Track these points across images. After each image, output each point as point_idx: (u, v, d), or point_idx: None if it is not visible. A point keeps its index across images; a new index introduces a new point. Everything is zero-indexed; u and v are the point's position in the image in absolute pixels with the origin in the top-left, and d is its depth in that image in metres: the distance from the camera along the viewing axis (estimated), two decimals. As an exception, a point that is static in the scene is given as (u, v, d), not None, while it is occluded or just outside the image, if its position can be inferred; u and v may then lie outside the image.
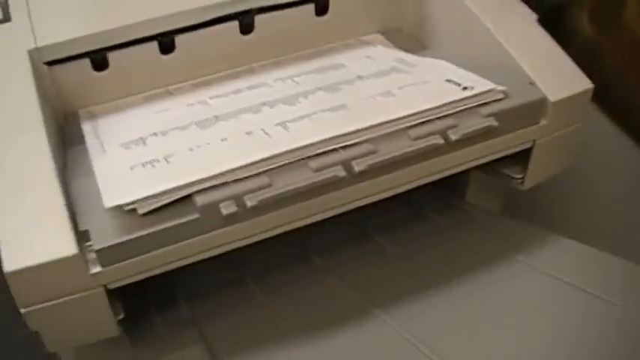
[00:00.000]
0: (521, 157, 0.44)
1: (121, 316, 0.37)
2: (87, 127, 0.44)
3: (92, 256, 0.34)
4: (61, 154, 0.41)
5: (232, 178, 0.35)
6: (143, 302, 0.45)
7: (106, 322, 0.37)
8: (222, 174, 0.35)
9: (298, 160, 0.36)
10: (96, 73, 0.45)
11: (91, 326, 0.37)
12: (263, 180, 0.35)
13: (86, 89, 0.46)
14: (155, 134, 0.41)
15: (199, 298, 0.45)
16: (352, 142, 0.37)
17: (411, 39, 0.53)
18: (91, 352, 0.41)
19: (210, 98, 0.45)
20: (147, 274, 0.36)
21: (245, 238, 0.37)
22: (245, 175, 0.35)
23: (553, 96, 0.42)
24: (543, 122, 0.42)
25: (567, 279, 0.41)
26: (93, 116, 0.45)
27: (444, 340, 0.37)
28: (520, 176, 0.45)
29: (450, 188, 0.53)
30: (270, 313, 0.43)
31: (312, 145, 0.36)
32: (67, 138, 0.44)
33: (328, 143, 0.37)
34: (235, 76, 0.48)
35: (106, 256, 0.34)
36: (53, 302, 0.34)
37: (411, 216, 0.51)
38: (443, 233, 0.48)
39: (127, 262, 0.35)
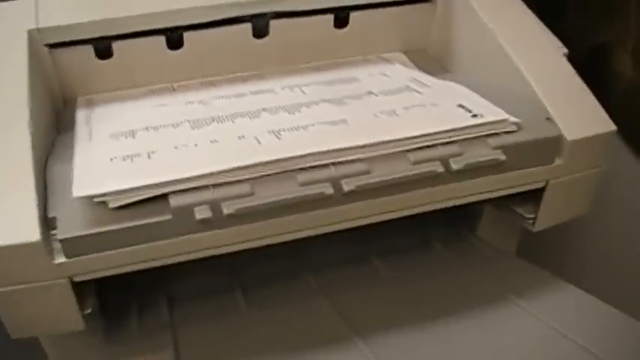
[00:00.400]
0: (535, 197, 0.41)
1: (89, 311, 0.36)
2: (81, 114, 0.42)
3: (57, 245, 0.33)
4: (50, 138, 0.40)
5: (212, 182, 0.33)
6: (125, 298, 0.44)
7: (70, 314, 0.35)
8: (201, 177, 0.33)
9: (285, 172, 0.34)
10: (99, 61, 0.44)
11: (54, 317, 0.35)
12: (244, 188, 0.33)
13: (88, 76, 0.45)
14: (147, 128, 0.39)
15: (182, 301, 0.44)
16: (345, 159, 0.35)
17: (434, 61, 0.50)
18: (64, 339, 0.39)
19: (212, 99, 0.43)
20: (115, 271, 0.34)
21: (220, 246, 0.35)
22: (226, 181, 0.33)
23: (571, 134, 0.39)
24: (558, 162, 0.39)
25: (562, 329, 0.38)
26: (90, 104, 0.44)
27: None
28: (532, 216, 0.42)
29: (462, 219, 0.51)
30: (248, 325, 0.41)
31: (302, 157, 0.34)
32: (62, 123, 0.43)
33: (319, 157, 0.35)
34: (243, 79, 0.47)
35: (71, 246, 0.32)
36: (14, 287, 0.33)
37: (415, 242, 0.49)
38: (444, 265, 0.46)
39: (94, 255, 0.33)
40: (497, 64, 0.44)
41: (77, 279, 0.34)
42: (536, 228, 0.42)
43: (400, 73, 0.46)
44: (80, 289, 0.35)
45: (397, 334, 0.38)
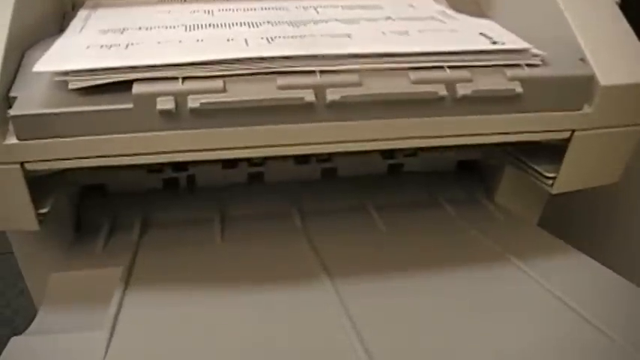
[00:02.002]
0: (557, 153, 0.36)
1: (45, 210, 0.33)
2: (82, 13, 0.40)
3: (12, 127, 0.30)
4: (45, 33, 0.38)
5: (182, 75, 0.30)
6: (103, 217, 0.42)
7: (23, 209, 0.32)
8: (170, 66, 0.30)
9: (265, 73, 0.31)
10: (111, -38, 0.42)
11: (6, 210, 0.32)
12: (215, 84, 0.30)
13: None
14: (140, 28, 0.36)
15: (156, 227, 0.41)
16: (335, 68, 0.31)
17: (472, 4, 0.45)
18: (30, 241, 0.39)
19: (219, 10, 0.40)
20: (70, 164, 0.31)
21: (182, 151, 0.31)
22: (197, 75, 0.30)
23: (605, 79, 0.33)
24: (587, 110, 0.34)
25: (556, 290, 0.33)
26: (95, 6, 0.42)
27: (376, 328, 0.30)
28: (551, 175, 0.37)
29: (478, 182, 0.46)
30: (214, 255, 0.37)
31: (286, 58, 0.31)
32: (67, 24, 0.41)
33: (304, 62, 0.31)
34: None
35: (22, 126, 0.30)
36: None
37: (423, 201, 0.44)
38: (447, 223, 0.41)
39: (47, 141, 0.30)
40: (539, 8, 0.39)
41: (30, 167, 0.31)
42: (555, 190, 0.37)
43: (429, 6, 0.42)
44: (36, 185, 0.32)
45: (367, 277, 0.34)
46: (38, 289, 0.38)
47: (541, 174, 0.38)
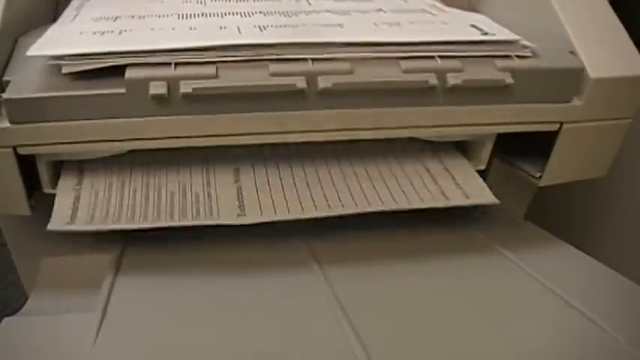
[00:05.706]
0: (546, 145, 0.37)
1: (47, 191, 0.34)
2: (75, 2, 0.40)
3: (5, 111, 0.30)
4: (38, 21, 0.38)
5: (174, 60, 0.30)
6: None
7: (15, 194, 0.33)
8: (163, 51, 0.30)
9: (257, 60, 0.31)
10: (103, -50, 0.42)
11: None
12: (208, 69, 0.30)
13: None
14: (133, 16, 0.37)
15: None
16: (327, 56, 0.31)
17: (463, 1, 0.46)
18: (19, 225, 0.38)
19: (212, 0, 0.40)
20: (63, 149, 0.32)
21: (175, 137, 0.32)
22: (190, 61, 0.30)
23: (594, 71, 0.34)
24: (576, 102, 0.35)
25: (543, 279, 0.33)
26: (89, -5, 0.42)
27: (364, 311, 0.30)
28: (539, 168, 0.37)
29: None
30: (205, 243, 0.37)
31: (276, 45, 0.31)
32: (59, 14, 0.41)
33: (296, 50, 0.31)
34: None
35: (15, 110, 0.30)
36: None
37: None
38: (433, 216, 0.41)
39: (39, 125, 0.30)
40: (529, 2, 0.40)
41: (22, 151, 0.31)
42: (543, 182, 0.37)
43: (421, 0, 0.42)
44: (29, 170, 0.33)
45: (355, 265, 0.34)
46: (29, 277, 0.38)
47: (527, 165, 0.38)
